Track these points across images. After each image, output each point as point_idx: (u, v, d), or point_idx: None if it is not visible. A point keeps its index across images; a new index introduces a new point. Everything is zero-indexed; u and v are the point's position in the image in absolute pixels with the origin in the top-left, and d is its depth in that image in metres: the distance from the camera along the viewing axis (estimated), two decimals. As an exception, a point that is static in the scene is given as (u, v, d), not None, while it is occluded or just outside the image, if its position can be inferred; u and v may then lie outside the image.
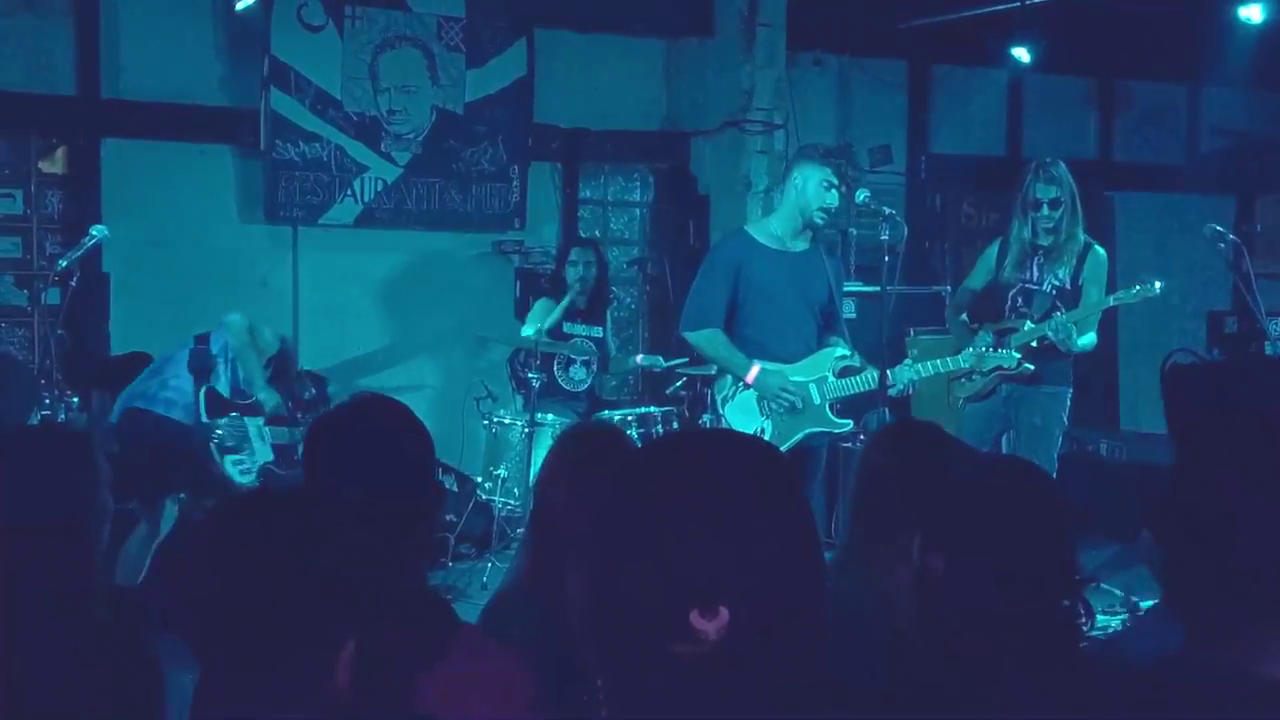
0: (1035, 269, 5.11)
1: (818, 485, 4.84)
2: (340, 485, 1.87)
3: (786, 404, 4.49)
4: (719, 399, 4.64)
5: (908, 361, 4.62)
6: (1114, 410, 8.56)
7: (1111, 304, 5.04)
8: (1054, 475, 5.15)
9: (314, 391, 6.20)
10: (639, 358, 6.44)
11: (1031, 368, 4.89)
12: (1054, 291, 5.03)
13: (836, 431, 4.65)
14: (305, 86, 6.52)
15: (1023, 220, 5.07)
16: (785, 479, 1.19)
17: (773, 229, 4.60)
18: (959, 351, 4.97)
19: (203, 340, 5.23)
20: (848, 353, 4.60)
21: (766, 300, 4.54)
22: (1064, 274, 5.03)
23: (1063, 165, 5.12)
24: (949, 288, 7.54)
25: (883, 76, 7.97)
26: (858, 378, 4.55)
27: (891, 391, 4.56)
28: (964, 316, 5.27)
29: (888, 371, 4.45)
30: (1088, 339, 5.09)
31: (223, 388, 5.17)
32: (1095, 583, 1.80)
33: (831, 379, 4.57)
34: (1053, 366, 5.05)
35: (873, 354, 4.69)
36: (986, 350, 4.77)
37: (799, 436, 4.53)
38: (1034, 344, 4.96)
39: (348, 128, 6.65)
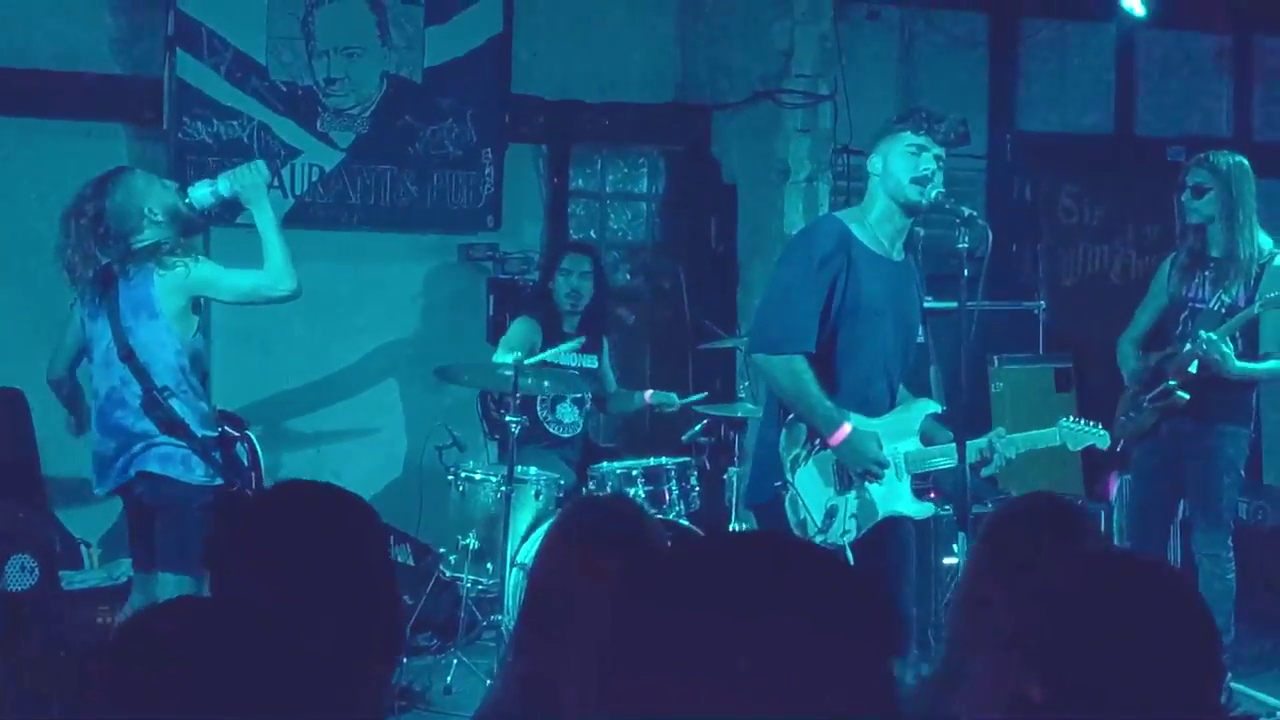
0: (1206, 284, 5.26)
1: (912, 579, 4.61)
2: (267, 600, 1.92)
3: (875, 479, 4.30)
4: (787, 459, 4.33)
5: (1000, 430, 4.43)
6: (1256, 463, 8.50)
7: (1256, 312, 5.16)
8: (1226, 535, 5.24)
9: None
10: (647, 395, 6.44)
11: (1186, 396, 5.11)
12: (1223, 310, 5.19)
13: (918, 519, 4.49)
14: (221, 49, 6.51)
15: (1179, 217, 5.34)
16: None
17: (872, 225, 4.35)
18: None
19: None
20: (939, 408, 4.42)
21: (863, 327, 4.28)
22: (1237, 290, 5.18)
23: (1228, 156, 5.32)
24: (1043, 303, 7.53)
25: (957, 33, 7.96)
26: (946, 449, 4.34)
27: (986, 471, 4.47)
28: (1137, 345, 5.52)
29: (981, 444, 4.34)
30: (1262, 366, 5.23)
31: None
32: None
33: (917, 445, 4.40)
34: (1221, 400, 5.17)
35: (948, 388, 4.64)
36: (1074, 424, 4.71)
37: (878, 520, 4.34)
38: (1192, 371, 5.15)
39: (275, 101, 6.65)
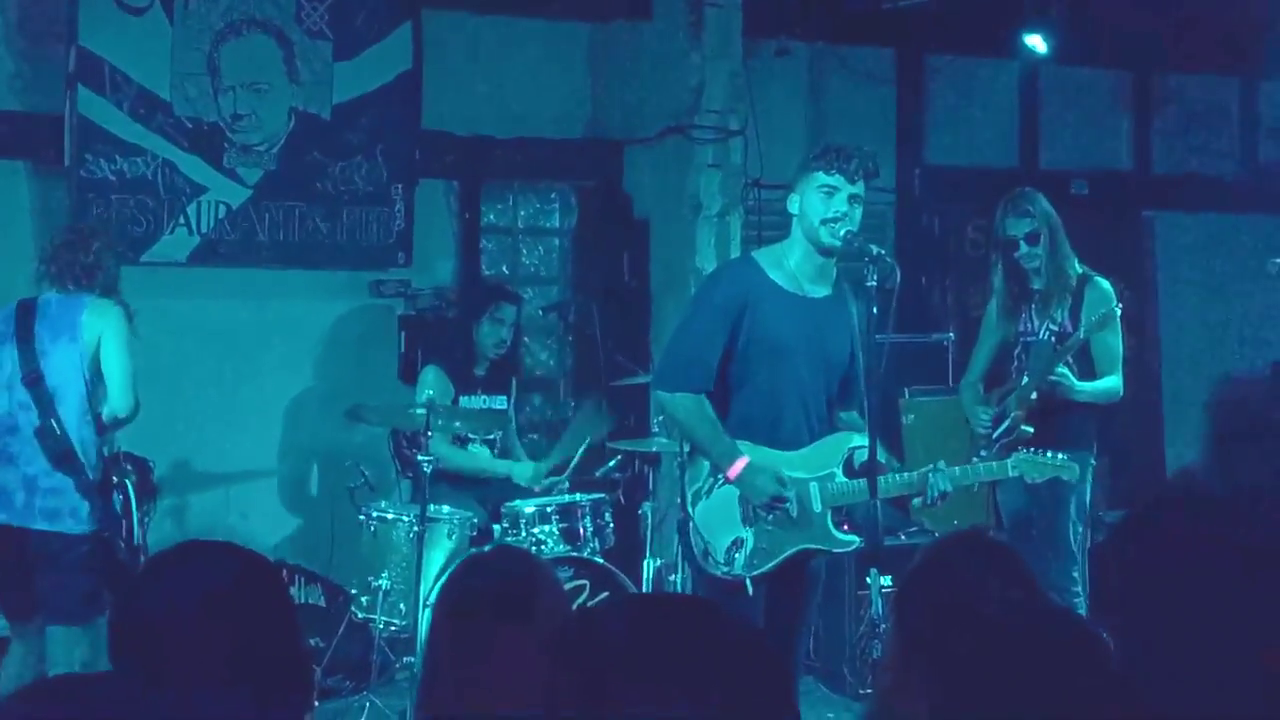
0: (1032, 317, 5.43)
1: (811, 613, 4.64)
2: (169, 676, 1.90)
3: (778, 511, 4.31)
4: (689, 492, 4.41)
5: (940, 464, 4.39)
6: (1161, 486, 8.64)
7: (1083, 337, 5.30)
8: (1072, 566, 5.26)
9: (135, 478, 6.07)
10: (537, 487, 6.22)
11: (1031, 429, 5.15)
12: (1051, 338, 5.34)
13: (837, 551, 4.49)
14: (124, 85, 6.43)
15: (1000, 265, 5.46)
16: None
17: (786, 262, 4.41)
18: (969, 420, 5.35)
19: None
20: (864, 442, 4.37)
21: (770, 361, 4.33)
22: (1061, 315, 5.35)
23: (1036, 194, 5.54)
24: (952, 335, 7.61)
25: (865, 69, 8.06)
26: (878, 480, 4.29)
27: (917, 502, 4.45)
28: (978, 386, 5.59)
29: (911, 476, 4.34)
30: (1101, 384, 5.33)
31: None
32: None
33: (839, 478, 4.39)
34: (1062, 427, 5.21)
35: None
36: (1036, 453, 4.73)
37: (787, 554, 4.35)
38: (1033, 398, 5.24)
39: (180, 138, 6.57)
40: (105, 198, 6.46)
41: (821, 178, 4.30)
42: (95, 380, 4.89)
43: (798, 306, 4.37)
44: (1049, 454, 4.70)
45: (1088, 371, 5.34)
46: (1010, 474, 4.67)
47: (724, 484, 4.35)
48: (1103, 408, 5.42)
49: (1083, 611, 5.20)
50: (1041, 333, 5.37)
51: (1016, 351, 5.44)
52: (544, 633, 2.24)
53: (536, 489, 6.20)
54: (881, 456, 4.35)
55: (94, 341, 4.88)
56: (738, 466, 4.29)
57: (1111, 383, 5.36)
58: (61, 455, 4.71)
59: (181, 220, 6.63)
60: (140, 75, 6.46)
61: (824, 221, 4.29)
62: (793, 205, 4.40)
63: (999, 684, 1.65)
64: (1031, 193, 5.55)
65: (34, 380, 4.74)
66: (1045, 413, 5.21)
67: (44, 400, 4.75)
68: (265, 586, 2.01)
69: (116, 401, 4.92)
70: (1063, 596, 5.16)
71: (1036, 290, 5.41)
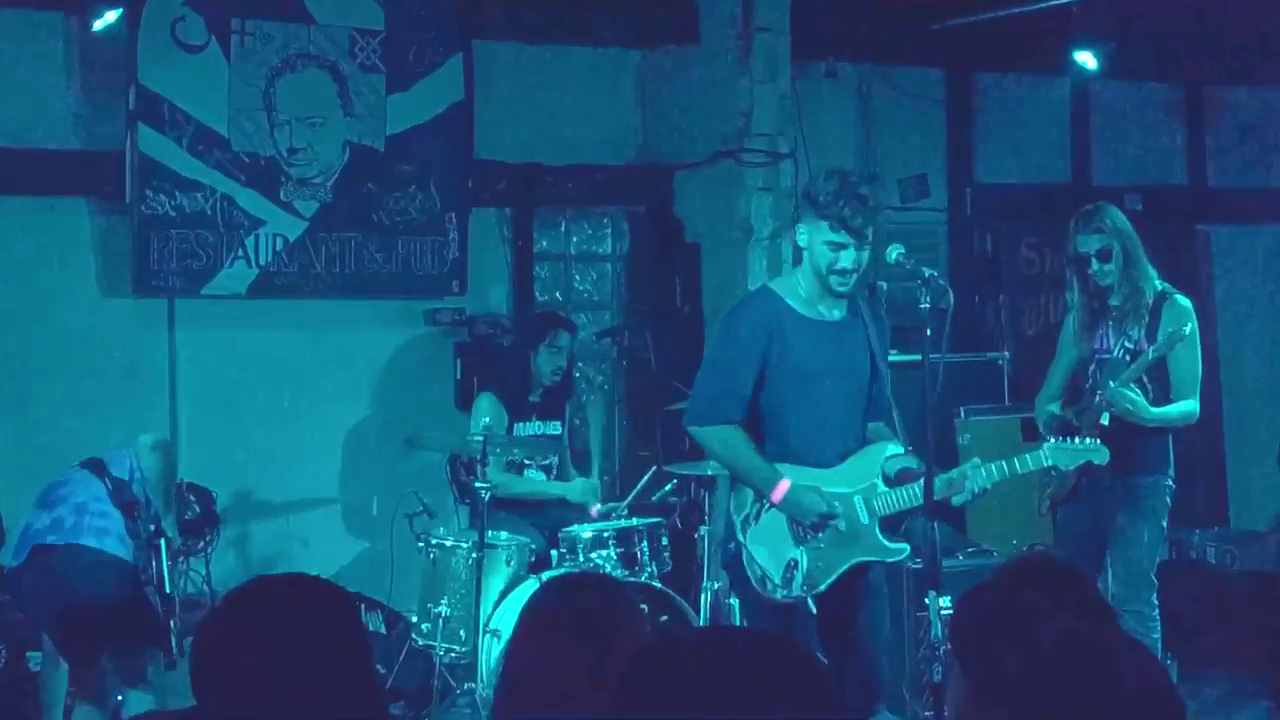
0: (1109, 334, 5.29)
1: (884, 629, 4.62)
2: (248, 708, 1.93)
3: (827, 529, 4.34)
4: (738, 520, 4.44)
5: (976, 461, 4.42)
6: (1221, 505, 8.55)
7: (1152, 356, 5.14)
8: (1150, 591, 5.19)
9: (198, 509, 6.15)
10: (594, 511, 6.28)
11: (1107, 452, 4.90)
12: (1126, 356, 5.18)
13: (890, 561, 4.50)
14: (182, 122, 6.52)
15: (1075, 282, 5.33)
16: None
17: (802, 290, 4.44)
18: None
19: (92, 465, 5.28)
20: (900, 450, 4.46)
21: (801, 389, 4.37)
22: (1137, 333, 5.19)
23: (1110, 208, 5.37)
24: (1007, 354, 7.58)
25: (915, 89, 8.05)
26: (917, 485, 4.34)
27: (957, 500, 4.43)
28: (1053, 407, 5.41)
29: (950, 475, 4.35)
30: (1174, 409, 5.18)
31: None
32: None
33: (881, 487, 4.42)
34: (1135, 449, 5.12)
35: (914, 443, 4.65)
36: (1070, 441, 4.72)
37: (843, 569, 4.37)
38: (1105, 423, 5.09)
39: (237, 172, 6.65)
40: (165, 233, 6.55)
41: (827, 232, 4.29)
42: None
43: (819, 330, 4.42)
44: (1078, 440, 4.67)
45: (1164, 393, 5.19)
46: (1046, 463, 4.63)
47: (770, 509, 4.38)
48: (1179, 430, 5.28)
49: (1157, 636, 5.17)
50: (1116, 351, 5.21)
51: (1091, 369, 5.30)
52: (620, 659, 2.27)
53: (594, 510, 6.23)
54: (914, 463, 4.40)
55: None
56: (781, 489, 4.33)
57: (1185, 407, 5.19)
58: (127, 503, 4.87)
59: (240, 253, 6.71)
60: (198, 112, 6.55)
61: (831, 272, 4.32)
62: (800, 239, 4.42)
63: (1064, 715, 1.65)
64: (1105, 207, 5.37)
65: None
66: (1118, 434, 5.04)
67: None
68: (340, 618, 2.04)
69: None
70: (1139, 620, 5.11)
71: (1113, 307, 5.26)
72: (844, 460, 4.44)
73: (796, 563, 4.36)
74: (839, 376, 4.42)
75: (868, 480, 4.42)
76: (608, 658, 2.29)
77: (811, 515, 4.33)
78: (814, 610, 4.34)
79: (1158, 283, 5.27)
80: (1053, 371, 5.54)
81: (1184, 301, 5.25)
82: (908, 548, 4.49)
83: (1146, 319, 5.18)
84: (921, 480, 4.31)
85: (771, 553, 4.39)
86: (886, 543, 4.43)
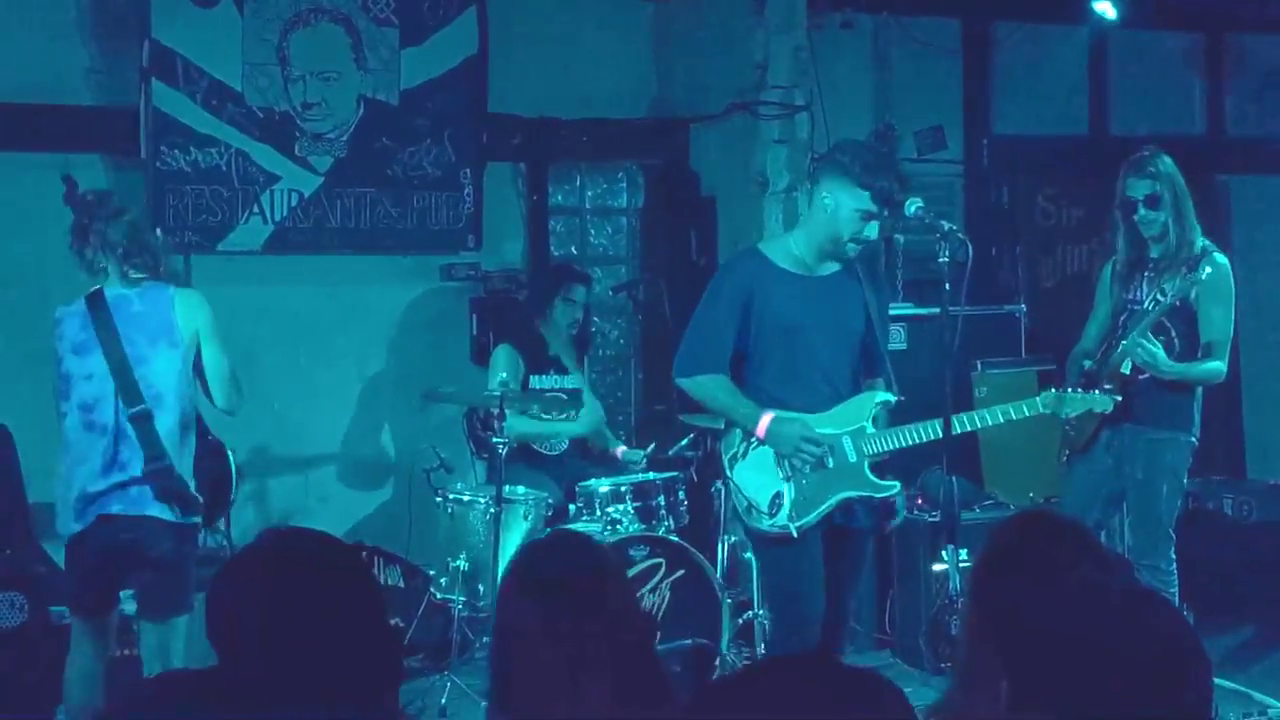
0: (1143, 285, 5.19)
1: (859, 582, 4.78)
2: (264, 664, 1.94)
3: (811, 459, 4.44)
4: (726, 459, 4.62)
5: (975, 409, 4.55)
6: (1239, 457, 8.53)
7: (1167, 305, 5.03)
8: (1168, 546, 5.18)
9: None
10: (618, 451, 6.48)
11: (1117, 398, 4.89)
12: (1154, 308, 5.06)
13: (880, 496, 4.55)
14: (196, 77, 6.51)
15: (1120, 227, 5.22)
16: None
17: (793, 249, 4.58)
18: None
19: None
20: (890, 397, 4.58)
21: (785, 340, 4.51)
22: (1171, 287, 5.05)
23: (1163, 155, 5.21)
24: (1023, 306, 7.55)
25: (931, 39, 7.98)
26: (908, 428, 4.51)
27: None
28: (1087, 363, 5.29)
29: (925, 425, 4.46)
30: (1197, 367, 5.10)
31: None
32: None
33: (870, 429, 4.53)
34: (1159, 404, 5.07)
35: (930, 396, 4.66)
36: (1070, 390, 4.72)
37: (830, 503, 4.47)
38: (1125, 372, 5.05)
39: (252, 127, 6.65)
40: (180, 189, 6.55)
41: (867, 202, 4.40)
42: (191, 382, 4.60)
43: (806, 286, 4.53)
44: (1087, 392, 4.68)
45: (1191, 350, 5.11)
46: (1042, 409, 4.64)
47: (758, 445, 4.52)
48: (1206, 387, 5.19)
49: (1175, 590, 5.16)
50: (1148, 303, 5.09)
51: (1123, 319, 5.20)
52: (611, 614, 2.29)
53: (618, 451, 6.38)
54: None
55: (192, 340, 4.56)
56: (764, 422, 4.47)
57: (1210, 365, 5.09)
58: (160, 465, 4.54)
59: (255, 209, 6.71)
60: (212, 67, 6.54)
61: (853, 239, 4.45)
62: (826, 200, 4.46)
63: (1079, 664, 1.65)
64: (1158, 154, 5.20)
65: (132, 394, 4.44)
66: (1140, 386, 5.02)
67: (141, 415, 4.46)
68: (349, 570, 2.04)
69: (224, 399, 4.66)
70: (1156, 575, 5.10)
71: (1153, 259, 5.16)
72: (833, 407, 4.55)
73: (782, 495, 4.48)
74: (825, 330, 4.54)
75: (857, 423, 4.54)
76: (583, 619, 2.30)
77: (792, 442, 4.45)
78: (795, 535, 4.44)
79: (1201, 239, 5.17)
80: (1090, 324, 5.42)
81: (1222, 260, 5.14)
82: (898, 485, 4.59)
83: (1184, 272, 5.05)
84: (911, 424, 4.46)
85: (758, 485, 4.51)
86: (876, 480, 4.53)
